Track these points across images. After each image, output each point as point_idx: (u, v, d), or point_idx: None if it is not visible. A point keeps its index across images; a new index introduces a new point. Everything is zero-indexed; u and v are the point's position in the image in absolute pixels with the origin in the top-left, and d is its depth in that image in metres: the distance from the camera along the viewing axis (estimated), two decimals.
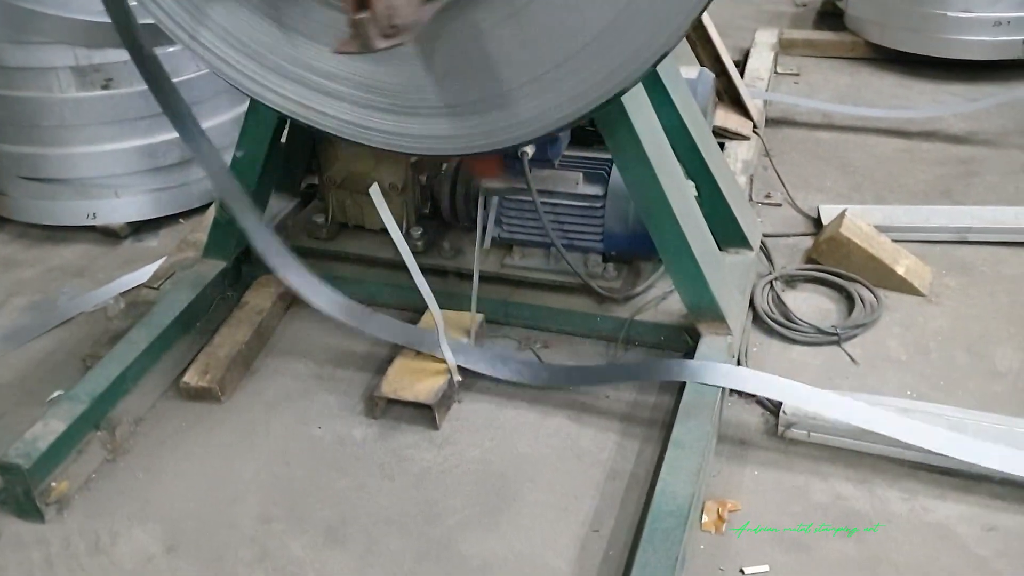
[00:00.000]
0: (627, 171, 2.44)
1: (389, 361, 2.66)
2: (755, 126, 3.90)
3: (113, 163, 3.34)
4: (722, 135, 3.79)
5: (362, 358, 2.79)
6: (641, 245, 2.65)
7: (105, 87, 3.21)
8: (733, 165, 3.58)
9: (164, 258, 3.23)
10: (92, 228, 3.51)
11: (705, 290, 2.49)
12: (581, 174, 2.77)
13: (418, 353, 2.64)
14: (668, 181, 2.43)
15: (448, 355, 2.55)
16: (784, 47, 5.05)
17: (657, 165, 2.39)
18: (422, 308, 2.59)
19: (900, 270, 2.99)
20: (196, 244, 3.18)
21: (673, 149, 2.57)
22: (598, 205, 2.73)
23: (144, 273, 3.21)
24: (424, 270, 2.56)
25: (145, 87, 3.22)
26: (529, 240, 2.85)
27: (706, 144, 2.87)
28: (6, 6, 2.97)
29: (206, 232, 3.11)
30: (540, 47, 2.02)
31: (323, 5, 2.14)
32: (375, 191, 2.25)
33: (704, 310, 2.53)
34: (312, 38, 2.22)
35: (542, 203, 2.71)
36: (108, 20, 3.05)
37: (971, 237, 3.23)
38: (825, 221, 3.31)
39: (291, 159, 3.10)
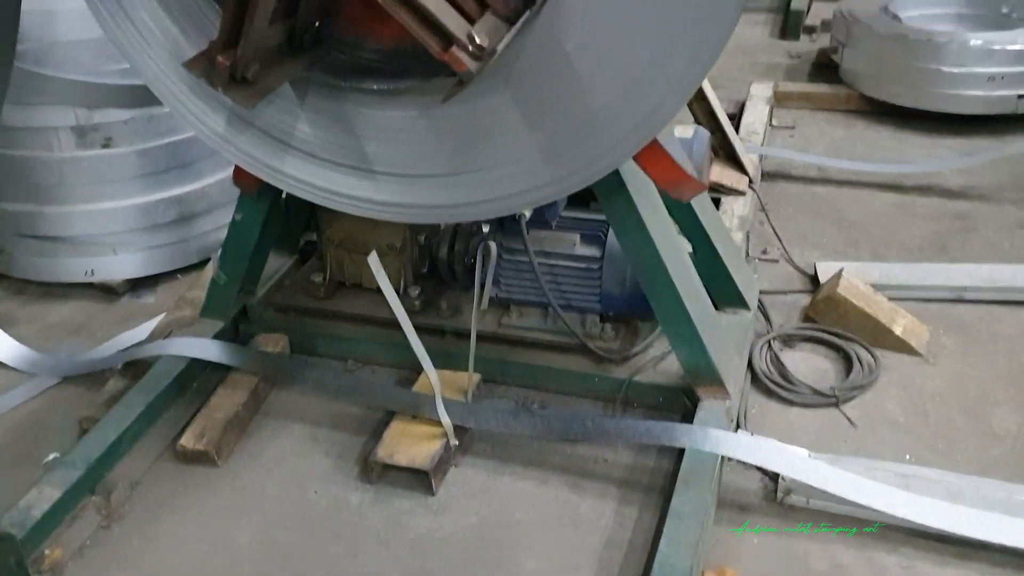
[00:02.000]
0: (623, 236, 2.44)
1: (386, 423, 2.65)
2: (751, 181, 3.92)
3: (111, 221, 3.36)
4: (718, 190, 3.81)
5: (358, 419, 2.78)
6: (639, 305, 2.65)
7: (105, 146, 3.24)
8: (729, 221, 3.60)
9: (162, 315, 3.24)
10: (90, 285, 3.51)
11: (703, 354, 2.49)
12: (578, 235, 2.78)
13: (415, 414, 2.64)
14: (665, 245, 2.44)
15: (445, 419, 2.54)
16: (779, 99, 5.10)
17: (653, 230, 2.40)
18: (419, 367, 2.59)
19: (897, 330, 2.99)
20: (193, 302, 3.19)
21: (668, 210, 2.58)
22: (595, 267, 2.74)
23: (142, 331, 3.22)
24: (421, 330, 2.56)
25: (145, 145, 3.31)
26: (527, 300, 2.85)
27: (702, 204, 2.88)
28: None
29: (203, 289, 3.12)
30: (543, 120, 2.03)
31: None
32: (373, 260, 2.26)
33: (702, 374, 2.53)
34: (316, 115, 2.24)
35: (540, 264, 2.73)
36: (109, 81, 3.12)
37: (968, 296, 3.24)
38: (822, 278, 3.32)
39: (291, 216, 3.12)
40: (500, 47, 1.72)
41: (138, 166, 3.30)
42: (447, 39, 1.69)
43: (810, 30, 6.32)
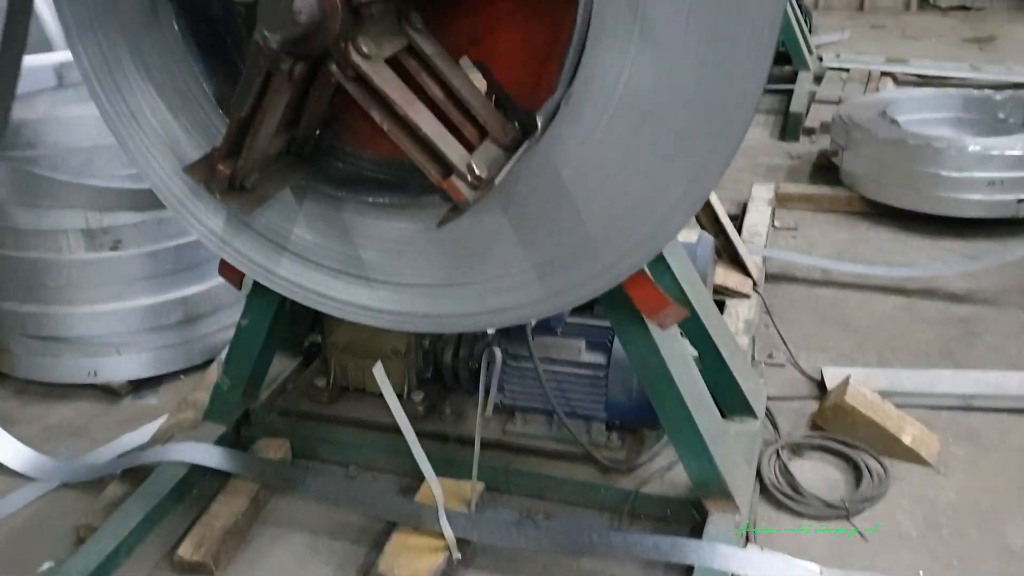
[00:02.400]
0: (628, 344, 2.44)
1: (387, 533, 2.60)
2: (755, 284, 3.93)
3: (117, 322, 3.36)
4: (722, 293, 3.82)
5: (359, 528, 2.73)
6: (645, 414, 2.63)
7: (114, 248, 3.26)
8: (735, 325, 3.60)
9: (164, 417, 3.21)
10: (92, 385, 3.49)
11: (711, 467, 2.45)
12: (584, 342, 2.78)
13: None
14: (671, 354, 2.43)
15: (447, 531, 2.50)
16: (781, 201, 5.15)
17: (659, 339, 2.40)
18: (423, 475, 2.55)
19: (906, 439, 2.96)
20: (196, 404, 3.17)
21: None
22: (601, 374, 2.72)
23: (144, 433, 3.19)
24: (424, 436, 2.54)
25: (154, 248, 3.33)
26: (532, 407, 2.83)
27: (706, 310, 2.89)
28: (22, 172, 3.04)
29: (206, 390, 3.10)
30: (538, 241, 2.05)
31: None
32: (379, 371, 2.25)
33: (711, 487, 2.49)
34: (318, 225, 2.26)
35: (544, 370, 2.72)
36: (121, 185, 3.16)
37: (977, 404, 3.21)
38: (829, 385, 3.30)
39: (295, 318, 3.12)
40: (498, 180, 1.74)
41: (146, 268, 3.32)
42: (447, 168, 1.72)
43: (809, 132, 6.42)
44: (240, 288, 2.64)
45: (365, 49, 1.70)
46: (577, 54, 1.76)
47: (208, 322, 3.55)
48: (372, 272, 2.27)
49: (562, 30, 1.79)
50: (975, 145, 4.57)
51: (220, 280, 3.52)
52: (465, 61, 2.03)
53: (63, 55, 3.51)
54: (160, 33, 2.19)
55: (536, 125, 1.83)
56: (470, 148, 1.80)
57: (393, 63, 1.82)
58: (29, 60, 3.78)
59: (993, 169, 4.52)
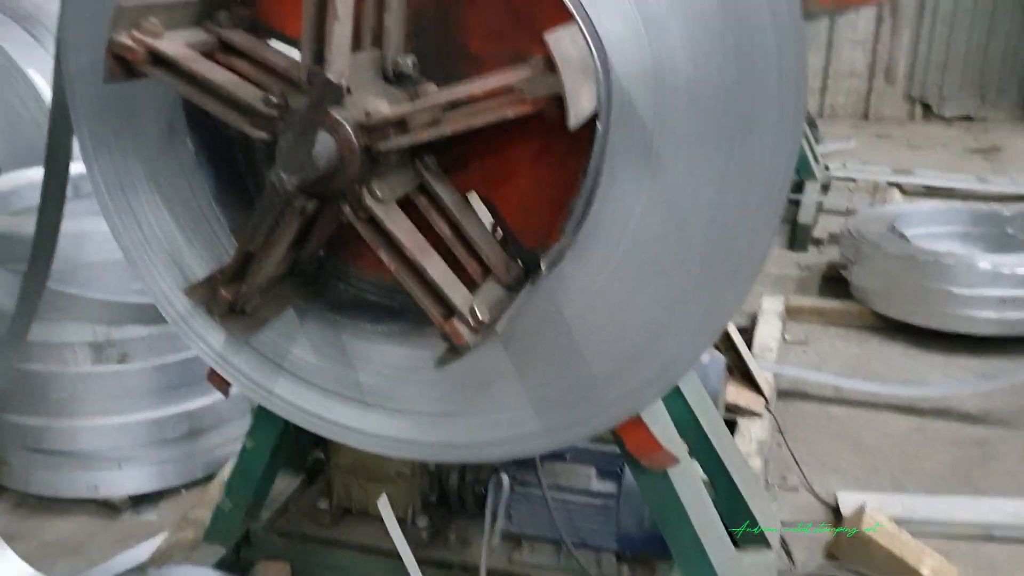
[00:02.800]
0: (640, 476, 2.38)
1: None
2: (767, 402, 3.88)
3: (120, 436, 3.32)
4: (734, 412, 3.77)
5: None
6: (657, 545, 2.55)
7: (121, 361, 3.24)
8: (747, 446, 3.53)
9: (163, 535, 3.14)
10: (91, 499, 3.43)
11: None
12: (594, 469, 2.72)
13: None
14: (683, 485, 2.37)
15: None
16: (791, 314, 5.13)
17: (671, 470, 2.34)
18: None
19: (925, 571, 2.87)
20: (196, 522, 3.09)
21: (685, 442, 2.53)
22: (612, 503, 2.66)
23: (142, 552, 3.11)
24: (428, 563, 2.47)
25: (161, 361, 3.31)
26: (540, 535, 2.75)
27: (718, 435, 2.83)
28: None
29: (207, 507, 3.03)
30: (538, 377, 2.02)
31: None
32: (383, 504, 2.20)
33: None
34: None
35: (553, 498, 2.65)
36: (130, 299, 3.16)
37: (996, 534, 3.12)
38: (844, 511, 3.23)
39: (300, 437, 3.07)
40: (499, 327, 1.73)
41: (152, 381, 3.30)
42: (449, 309, 1.71)
43: (818, 242, 6.45)
44: (228, 396, 2.62)
45: (379, 193, 1.70)
46: (586, 203, 1.76)
47: (212, 436, 3.51)
48: (371, 397, 2.24)
49: (573, 177, 1.80)
50: (985, 262, 4.58)
51: (236, 390, 3.53)
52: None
53: (79, 166, 3.55)
54: (174, 150, 2.21)
55: (540, 265, 1.83)
56: (473, 285, 1.79)
57: (403, 199, 1.83)
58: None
59: (1004, 286, 4.51)
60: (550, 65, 1.44)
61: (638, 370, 1.93)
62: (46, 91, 4.29)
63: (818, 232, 6.53)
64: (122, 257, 2.40)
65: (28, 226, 3.15)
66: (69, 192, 3.79)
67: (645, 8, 1.62)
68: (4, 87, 4.30)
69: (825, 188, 7.51)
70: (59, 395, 3.26)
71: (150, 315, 3.19)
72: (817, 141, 8.20)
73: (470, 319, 1.68)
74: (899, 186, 7.60)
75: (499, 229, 2.01)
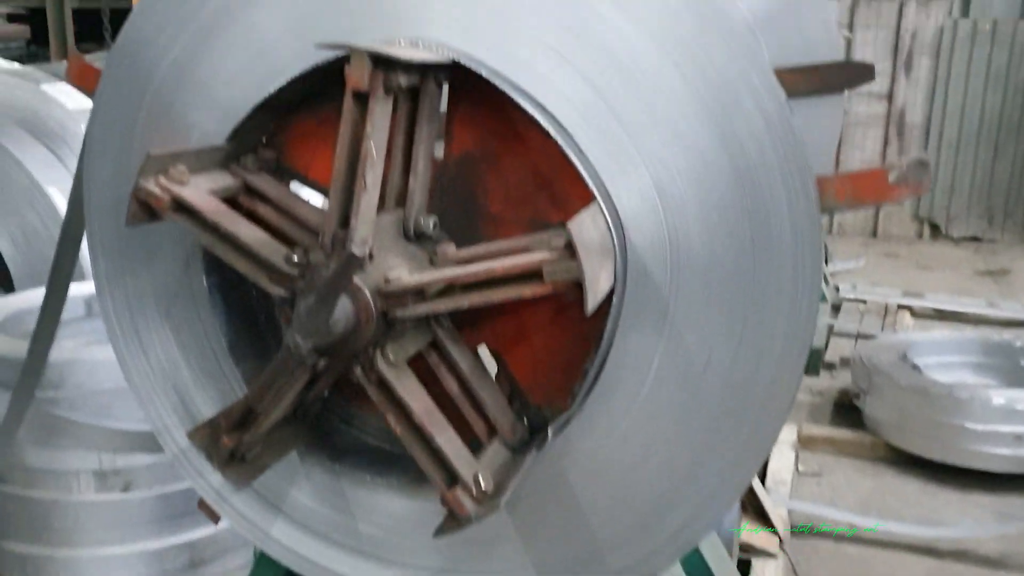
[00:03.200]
0: None
1: None
2: (781, 541, 3.80)
3: (121, 567, 3.24)
4: (748, 551, 3.69)
5: None
6: None
7: (124, 490, 3.19)
8: None
9: None
10: None
11: None
12: None
13: None
14: None
15: None
16: (804, 443, 5.07)
17: None
18: None
19: None
20: None
21: None
22: None
23: None
24: None
25: (164, 490, 3.26)
26: None
27: None
28: (43, 414, 3.02)
29: None
30: (540, 541, 1.97)
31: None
32: None
33: None
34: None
35: None
36: (138, 427, 3.13)
37: None
38: None
39: None
40: (503, 499, 1.70)
41: (155, 510, 3.24)
42: (452, 476, 1.68)
43: (830, 366, 6.41)
44: (218, 523, 2.57)
45: (391, 356, 1.69)
46: (597, 369, 1.75)
47: (213, 567, 3.42)
48: (369, 547, 2.19)
49: (585, 339, 1.80)
50: (1000, 398, 4.53)
51: (227, 523, 3.47)
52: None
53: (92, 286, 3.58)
54: (188, 287, 2.21)
55: (546, 426, 1.81)
56: (478, 444, 1.77)
57: (414, 356, 1.82)
58: None
59: (1019, 423, 4.46)
60: (571, 250, 1.45)
61: (647, 538, 1.89)
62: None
63: (830, 355, 6.50)
64: None
65: None
66: (82, 311, 3.85)
67: (664, 191, 1.65)
68: (24, 205, 4.37)
69: (836, 309, 7.52)
70: (61, 524, 3.20)
71: (156, 443, 3.16)
72: (826, 261, 8.25)
73: (473, 488, 1.65)
74: (910, 308, 7.61)
75: (507, 385, 2.00)
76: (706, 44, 1.59)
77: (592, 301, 1.47)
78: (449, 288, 1.73)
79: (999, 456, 4.50)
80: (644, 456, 1.83)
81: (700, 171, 1.62)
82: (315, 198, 2.16)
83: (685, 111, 1.61)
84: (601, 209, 1.59)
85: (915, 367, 5.08)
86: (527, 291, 1.55)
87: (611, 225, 1.60)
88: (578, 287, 1.46)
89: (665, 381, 1.75)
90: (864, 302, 7.70)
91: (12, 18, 7.45)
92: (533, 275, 1.53)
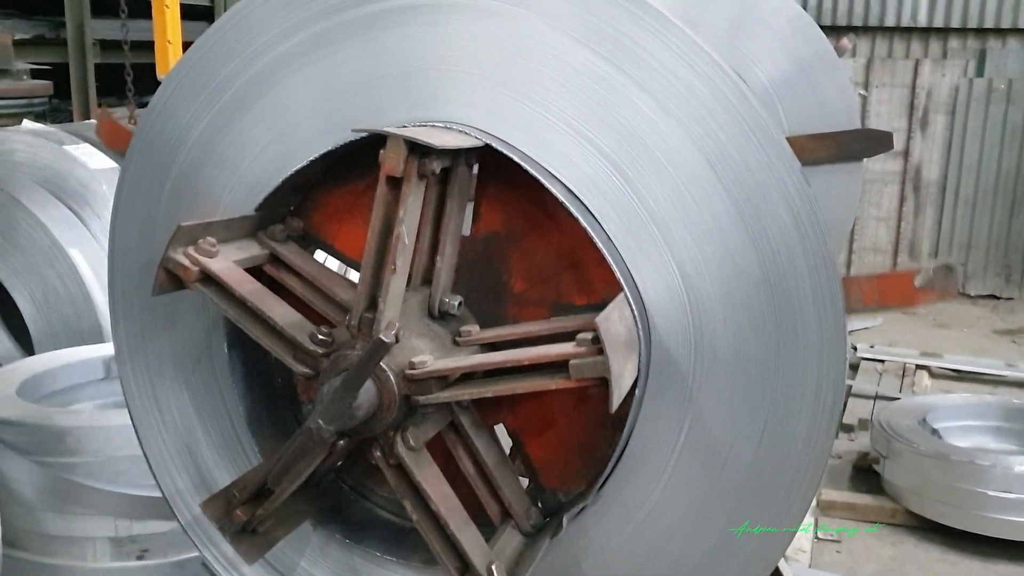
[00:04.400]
0: None
1: None
2: None
3: None
4: None
5: None
6: None
7: (140, 558, 3.18)
8: None
9: None
10: None
11: None
12: None
13: None
14: None
15: None
16: (823, 509, 5.01)
17: None
18: None
19: None
20: None
21: None
22: None
23: None
24: None
25: (179, 557, 3.24)
26: None
27: None
28: (60, 480, 3.03)
29: None
30: None
31: None
32: None
33: None
34: None
35: None
36: (155, 494, 3.12)
37: None
38: None
39: None
40: None
41: None
42: (465, 564, 1.67)
43: (848, 428, 6.34)
44: None
45: (412, 442, 1.69)
46: (616, 459, 1.74)
47: None
48: None
49: (604, 427, 1.79)
50: (1021, 465, 4.47)
51: None
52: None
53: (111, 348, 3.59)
54: (210, 354, 2.21)
55: (561, 510, 1.80)
56: (491, 527, 1.75)
57: (434, 437, 1.81)
58: (80, 351, 3.92)
59: None
60: (598, 347, 1.45)
61: None
62: (86, 270, 4.39)
63: (848, 417, 6.43)
64: None
65: (56, 417, 3.18)
66: (101, 372, 3.85)
67: (692, 285, 1.65)
68: (44, 265, 4.40)
69: (854, 369, 7.46)
70: None
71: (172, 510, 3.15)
72: None
73: None
74: (928, 369, 7.55)
75: (522, 467, 1.98)
76: (743, 148, 1.60)
77: (617, 398, 1.47)
78: (472, 372, 1.74)
79: (1022, 525, 4.42)
80: (658, 550, 1.81)
81: (729, 271, 1.63)
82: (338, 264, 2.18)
83: (717, 210, 1.62)
84: (628, 301, 1.59)
85: (935, 432, 5.03)
86: (552, 384, 1.54)
87: (637, 317, 1.60)
88: (603, 380, 1.46)
89: (686, 471, 1.74)
90: (882, 362, 7.64)
91: (36, 74, 7.57)
92: (558, 365, 1.53)
